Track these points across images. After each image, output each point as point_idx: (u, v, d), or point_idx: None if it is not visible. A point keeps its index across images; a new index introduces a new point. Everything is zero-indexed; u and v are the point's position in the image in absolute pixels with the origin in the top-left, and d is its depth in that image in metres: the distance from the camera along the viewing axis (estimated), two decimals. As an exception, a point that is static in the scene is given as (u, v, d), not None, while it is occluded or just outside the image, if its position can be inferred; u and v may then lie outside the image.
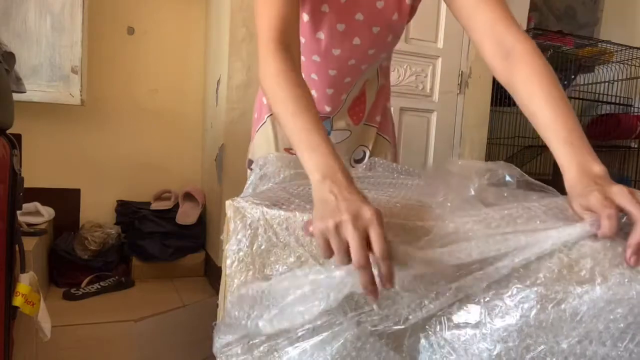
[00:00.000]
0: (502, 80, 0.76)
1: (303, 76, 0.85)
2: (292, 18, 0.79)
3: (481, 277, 0.50)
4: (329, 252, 0.52)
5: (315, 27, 0.95)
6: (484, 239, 0.50)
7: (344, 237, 0.51)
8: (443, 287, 0.51)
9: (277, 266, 0.56)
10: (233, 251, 0.57)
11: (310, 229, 0.54)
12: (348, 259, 0.51)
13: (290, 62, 0.74)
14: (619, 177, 2.54)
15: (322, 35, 0.96)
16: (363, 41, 0.98)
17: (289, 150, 1.11)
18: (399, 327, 0.52)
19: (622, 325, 0.47)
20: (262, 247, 0.56)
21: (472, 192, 0.61)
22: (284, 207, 0.57)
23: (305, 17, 0.94)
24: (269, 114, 1.12)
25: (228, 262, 0.58)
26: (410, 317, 0.51)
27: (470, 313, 0.51)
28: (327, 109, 1.07)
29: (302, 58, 0.98)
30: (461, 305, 0.51)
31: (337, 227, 0.51)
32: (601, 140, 2.55)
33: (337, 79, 1.02)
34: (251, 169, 1.16)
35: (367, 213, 0.52)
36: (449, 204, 0.59)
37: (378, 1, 0.94)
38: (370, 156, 1.15)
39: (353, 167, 1.13)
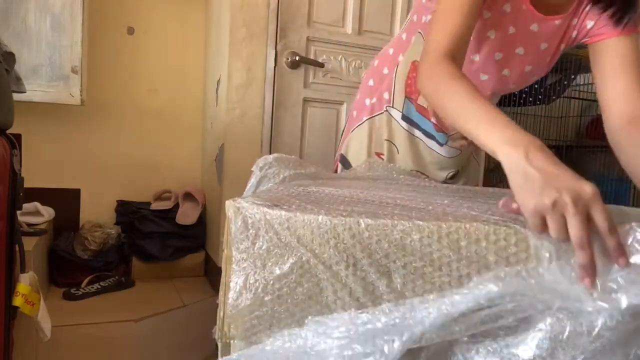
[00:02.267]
0: (619, 139, 0.84)
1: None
2: (465, 39, 0.81)
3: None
4: (544, 228, 0.51)
5: (474, 49, 0.95)
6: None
7: (562, 214, 0.50)
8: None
9: (277, 266, 0.56)
10: (234, 251, 0.57)
11: (514, 205, 0.53)
12: (567, 235, 0.49)
13: (460, 71, 0.74)
14: (618, 177, 2.54)
15: (477, 57, 0.96)
16: (512, 74, 0.98)
17: (380, 154, 1.12)
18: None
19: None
20: (263, 247, 0.56)
21: None
22: (285, 207, 0.57)
23: (492, 34, 0.94)
24: (368, 117, 1.14)
25: (229, 255, 0.58)
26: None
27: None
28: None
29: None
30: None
31: (555, 205, 0.50)
32: (601, 140, 2.54)
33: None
34: (342, 165, 1.19)
35: (587, 191, 0.50)
36: None
37: (543, 42, 0.95)
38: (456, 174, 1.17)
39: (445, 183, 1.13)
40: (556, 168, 0.53)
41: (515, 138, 0.57)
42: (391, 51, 1.14)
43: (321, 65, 2.03)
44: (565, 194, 0.50)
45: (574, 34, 0.96)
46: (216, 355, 0.64)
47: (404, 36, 1.11)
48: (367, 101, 1.16)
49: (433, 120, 1.07)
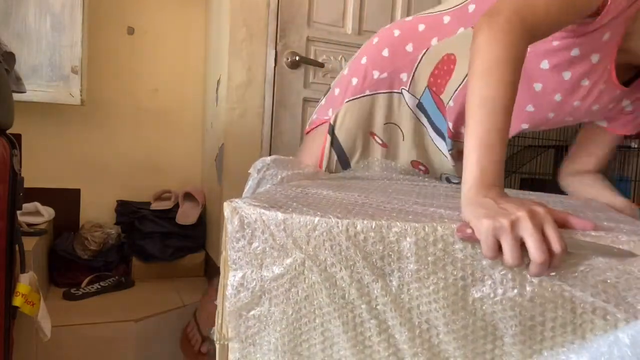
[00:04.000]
0: (566, 184, 1.05)
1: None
2: (555, 28, 0.72)
3: None
4: (497, 252, 0.51)
5: (565, 68, 0.85)
6: None
7: (519, 235, 0.50)
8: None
9: (273, 267, 0.56)
10: (230, 250, 0.57)
11: (468, 230, 0.53)
12: (522, 258, 0.51)
13: (523, 56, 0.66)
14: (619, 177, 2.54)
15: (539, 87, 0.89)
16: (554, 119, 0.95)
17: (374, 135, 1.03)
18: None
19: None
20: (259, 247, 0.56)
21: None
22: (281, 209, 0.57)
23: (567, 75, 0.85)
24: (373, 92, 1.02)
25: (227, 257, 0.58)
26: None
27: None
28: (464, 131, 0.99)
29: None
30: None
31: (513, 225, 0.50)
32: (601, 141, 2.54)
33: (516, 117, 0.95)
34: (330, 135, 1.04)
35: (540, 210, 0.52)
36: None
37: (595, 104, 0.90)
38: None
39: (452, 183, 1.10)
40: (506, 202, 0.54)
41: (487, 175, 0.58)
42: (422, 27, 1.02)
43: (321, 65, 2.03)
44: (522, 213, 0.51)
45: (614, 111, 0.95)
46: (215, 356, 0.64)
47: (445, 19, 0.98)
48: (376, 73, 1.02)
49: (450, 123, 0.99)
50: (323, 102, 1.12)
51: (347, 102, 1.04)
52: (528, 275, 0.52)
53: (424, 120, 1.04)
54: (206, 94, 2.35)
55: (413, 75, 0.99)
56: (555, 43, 0.82)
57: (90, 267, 1.96)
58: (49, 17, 1.85)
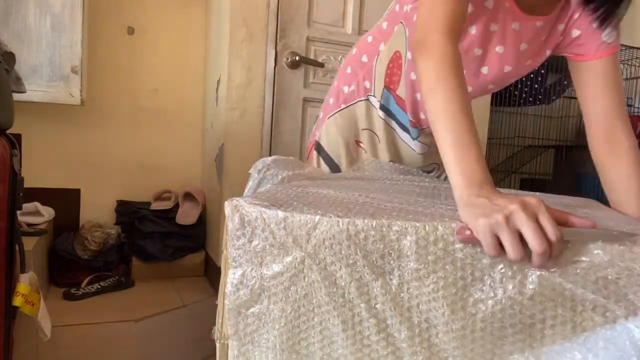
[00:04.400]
0: (598, 157, 0.92)
1: (415, 77, 0.95)
2: (465, 17, 0.80)
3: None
4: (499, 250, 0.52)
5: (477, 42, 0.93)
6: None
7: (516, 228, 0.51)
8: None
9: (273, 265, 0.56)
10: (230, 248, 0.57)
11: (467, 232, 0.53)
12: (524, 251, 0.51)
13: (460, 66, 0.72)
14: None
15: (480, 52, 0.94)
16: (490, 72, 0.97)
17: (359, 142, 1.10)
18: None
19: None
20: (259, 246, 0.56)
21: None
22: (282, 207, 0.57)
23: (472, 29, 0.92)
24: (347, 105, 1.11)
25: (227, 255, 0.58)
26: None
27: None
28: (423, 117, 1.04)
29: None
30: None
31: (508, 219, 0.51)
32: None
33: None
34: (317, 152, 1.15)
35: (532, 201, 0.53)
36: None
37: (523, 42, 0.93)
38: (440, 171, 1.17)
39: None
40: (502, 196, 0.55)
41: (474, 175, 0.59)
42: (370, 39, 1.13)
43: (321, 65, 2.03)
44: (515, 206, 0.52)
45: (560, 39, 0.95)
46: (215, 356, 0.64)
47: (384, 25, 1.11)
48: (346, 89, 1.14)
49: (409, 114, 1.06)
50: (314, 127, 1.24)
51: (328, 118, 1.15)
52: (528, 274, 0.52)
53: (390, 120, 1.10)
54: (206, 94, 2.35)
55: (373, 81, 1.09)
56: None
57: (90, 267, 1.96)
58: (49, 17, 1.85)
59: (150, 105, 2.32)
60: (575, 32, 0.94)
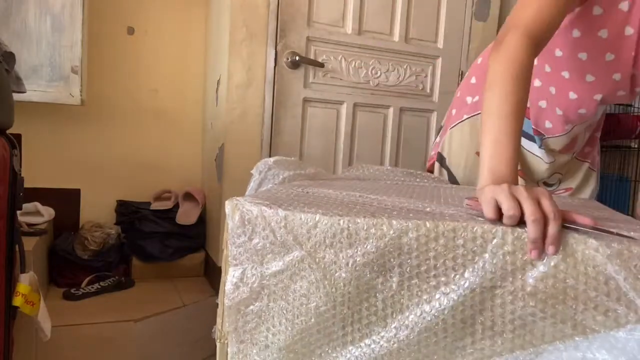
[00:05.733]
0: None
1: (539, 84, 0.95)
2: (554, 27, 0.79)
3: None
4: (497, 214, 0.55)
5: (581, 45, 0.90)
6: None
7: (515, 196, 0.55)
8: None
9: (273, 263, 0.56)
10: (230, 246, 0.57)
11: (474, 203, 0.59)
12: (518, 208, 0.54)
13: (532, 62, 0.73)
14: (618, 177, 2.54)
15: (584, 56, 0.91)
16: (622, 80, 0.92)
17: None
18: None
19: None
20: (259, 244, 0.56)
21: None
22: (283, 206, 0.57)
23: (575, 32, 0.89)
24: (469, 115, 1.11)
25: (227, 254, 0.58)
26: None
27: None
28: (548, 125, 1.02)
29: (548, 68, 0.96)
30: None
31: (511, 189, 0.56)
32: (601, 141, 2.54)
33: (573, 104, 0.97)
34: (439, 163, 1.15)
35: (539, 188, 0.57)
36: None
37: None
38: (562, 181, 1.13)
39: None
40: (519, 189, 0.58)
41: (501, 173, 0.62)
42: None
43: (321, 65, 2.03)
44: (520, 186, 0.57)
45: None
46: (216, 356, 0.64)
47: None
48: (469, 99, 1.12)
49: (532, 121, 1.03)
50: (437, 138, 1.24)
51: (450, 129, 1.14)
52: (529, 271, 0.52)
53: None
54: (206, 94, 2.35)
55: None
56: (576, 34, 0.88)
57: (90, 267, 1.96)
58: (49, 17, 1.85)
59: (150, 105, 2.31)
60: None
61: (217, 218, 2.06)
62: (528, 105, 0.99)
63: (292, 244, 0.55)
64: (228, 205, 0.57)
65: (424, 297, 0.54)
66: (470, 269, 0.53)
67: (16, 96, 1.13)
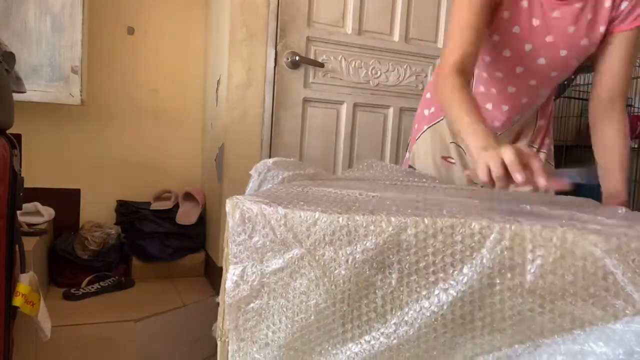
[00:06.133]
0: (590, 116, 1.10)
1: (483, 90, 1.11)
2: (473, 55, 0.98)
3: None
4: (489, 176, 0.68)
5: (503, 45, 1.05)
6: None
7: (501, 155, 0.67)
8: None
9: (273, 261, 0.56)
10: (230, 244, 0.57)
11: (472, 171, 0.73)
12: (504, 177, 0.66)
13: (465, 83, 0.93)
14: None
15: (508, 53, 1.06)
16: (548, 61, 1.05)
17: (446, 157, 1.22)
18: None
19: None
20: (259, 242, 0.56)
21: None
22: (282, 204, 0.57)
23: (495, 37, 1.05)
24: (428, 125, 1.25)
25: (227, 253, 0.58)
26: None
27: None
28: (497, 124, 1.16)
29: (484, 74, 1.13)
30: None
31: (499, 154, 0.67)
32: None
33: (515, 96, 1.11)
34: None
35: (523, 147, 0.70)
36: None
37: (570, 26, 1.01)
38: None
39: None
40: (501, 145, 0.71)
41: (488, 144, 0.74)
42: None
43: (321, 65, 2.03)
44: (509, 147, 0.67)
45: (612, 14, 1.01)
46: (216, 355, 0.64)
47: None
48: (426, 112, 1.27)
49: None
50: (406, 153, 1.38)
51: (415, 141, 1.28)
52: (528, 265, 0.52)
53: None
54: (206, 94, 2.35)
55: None
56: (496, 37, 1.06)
57: (90, 267, 1.96)
58: (49, 17, 1.85)
59: (150, 105, 2.32)
60: (624, 4, 1.00)
61: (217, 218, 2.06)
62: None
63: (291, 241, 0.55)
64: (228, 204, 0.58)
65: (423, 293, 0.54)
66: (469, 265, 0.53)
67: (16, 96, 1.13)
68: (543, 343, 0.53)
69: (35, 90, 1.81)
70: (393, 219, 0.54)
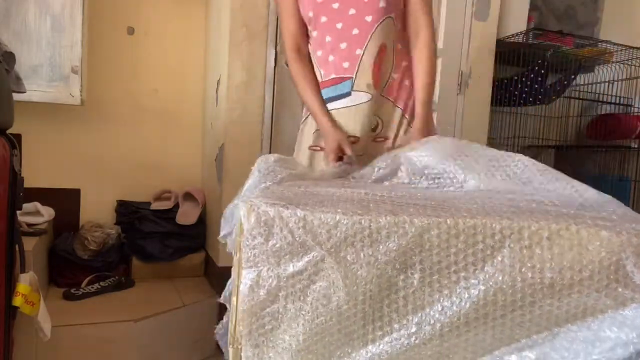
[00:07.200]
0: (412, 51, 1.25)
1: (330, 40, 1.22)
2: (300, 30, 1.27)
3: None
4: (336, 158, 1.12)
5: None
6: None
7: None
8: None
9: (291, 264, 0.56)
10: (244, 248, 0.57)
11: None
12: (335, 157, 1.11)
13: (304, 62, 1.30)
14: (618, 177, 2.54)
15: (337, 5, 1.19)
16: None
17: (312, 147, 1.30)
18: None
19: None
20: (277, 245, 0.56)
21: None
22: (300, 206, 0.57)
23: None
24: (302, 120, 1.38)
25: (241, 257, 0.58)
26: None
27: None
28: (345, 65, 1.22)
29: (321, 31, 1.23)
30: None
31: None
32: (601, 140, 2.54)
33: (345, 31, 1.20)
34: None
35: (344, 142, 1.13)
36: None
37: None
38: (382, 127, 1.28)
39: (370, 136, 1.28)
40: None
41: (325, 124, 1.19)
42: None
43: (321, 65, 2.02)
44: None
45: None
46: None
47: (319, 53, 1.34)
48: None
49: (336, 77, 1.25)
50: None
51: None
52: (546, 263, 0.53)
53: (333, 104, 1.32)
54: (206, 94, 2.35)
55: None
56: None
57: (90, 267, 1.96)
58: (49, 17, 1.85)
59: (150, 105, 2.31)
60: None
61: (217, 218, 2.06)
62: (327, 76, 1.27)
63: (311, 244, 0.55)
64: (243, 207, 0.57)
65: (445, 292, 0.54)
66: (490, 264, 0.54)
67: (16, 96, 1.13)
68: (560, 331, 0.54)
69: (35, 90, 1.81)
70: (416, 220, 0.54)
